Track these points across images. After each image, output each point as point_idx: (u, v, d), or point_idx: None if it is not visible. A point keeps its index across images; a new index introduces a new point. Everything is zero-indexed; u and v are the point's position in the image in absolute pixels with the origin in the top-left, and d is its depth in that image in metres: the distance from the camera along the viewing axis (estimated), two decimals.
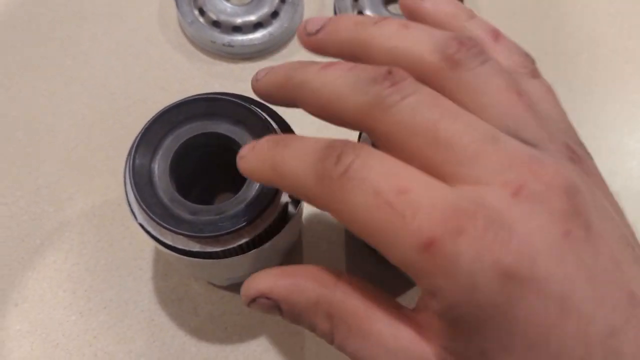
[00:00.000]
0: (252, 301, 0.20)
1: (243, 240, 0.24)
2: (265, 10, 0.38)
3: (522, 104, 0.18)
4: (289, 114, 0.27)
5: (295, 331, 0.32)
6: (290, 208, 0.25)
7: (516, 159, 0.16)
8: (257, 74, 0.22)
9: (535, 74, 0.21)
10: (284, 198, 0.25)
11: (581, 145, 0.21)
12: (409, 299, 0.33)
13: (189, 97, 0.26)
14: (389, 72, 0.17)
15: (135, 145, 0.25)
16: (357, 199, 0.16)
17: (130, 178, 0.24)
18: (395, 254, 0.16)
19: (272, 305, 0.20)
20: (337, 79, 0.18)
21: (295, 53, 0.39)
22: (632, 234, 0.18)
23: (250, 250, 0.25)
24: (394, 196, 0.15)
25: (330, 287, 0.19)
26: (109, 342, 0.31)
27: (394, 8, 0.41)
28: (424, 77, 0.18)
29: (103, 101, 0.37)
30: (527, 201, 0.16)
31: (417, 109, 0.17)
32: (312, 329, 0.20)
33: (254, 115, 0.25)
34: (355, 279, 0.20)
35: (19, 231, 0.33)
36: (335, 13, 0.40)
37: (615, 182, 0.37)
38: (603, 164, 0.37)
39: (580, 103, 0.39)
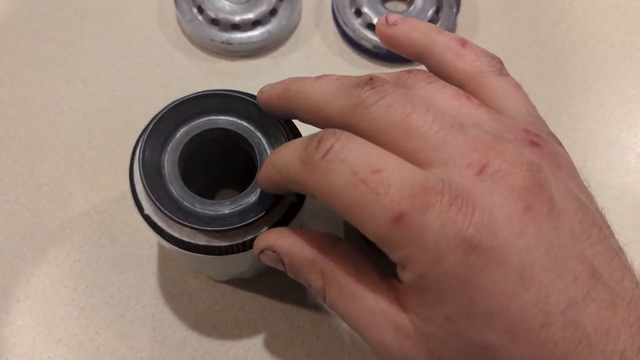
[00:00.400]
0: (261, 252, 0.23)
1: (249, 237, 0.24)
2: (263, 8, 0.39)
3: (472, 104, 0.20)
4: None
5: (296, 326, 0.32)
6: (297, 205, 0.26)
7: (481, 143, 0.18)
8: (261, 88, 0.25)
9: (502, 72, 0.23)
10: (290, 197, 0.25)
11: (548, 133, 0.22)
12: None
13: (201, 91, 0.26)
14: (370, 79, 0.20)
15: (145, 136, 0.25)
16: (336, 179, 0.18)
17: (140, 169, 0.24)
18: (369, 228, 0.18)
19: (277, 258, 0.22)
20: (326, 86, 0.21)
21: (294, 51, 0.40)
22: (602, 217, 0.19)
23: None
24: (368, 175, 0.17)
25: (326, 250, 0.21)
26: (110, 338, 0.31)
27: (391, 5, 0.42)
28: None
29: (104, 99, 0.37)
30: (490, 179, 0.17)
31: (393, 105, 0.19)
32: (308, 284, 0.22)
33: (264, 114, 0.26)
34: (351, 247, 0.22)
35: (21, 228, 0.33)
36: (333, 11, 0.40)
37: (612, 177, 0.38)
38: (600, 158, 0.38)
39: (578, 98, 0.39)
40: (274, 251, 0.22)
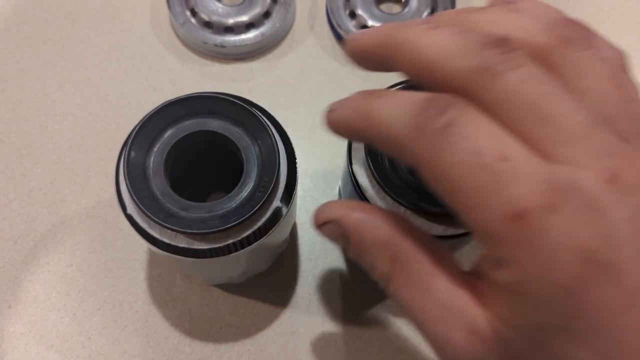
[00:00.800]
0: (323, 225, 0.21)
1: (231, 241, 0.24)
2: (257, 10, 0.38)
3: (620, 96, 0.18)
4: (283, 119, 0.27)
5: (289, 331, 0.32)
6: (281, 211, 0.25)
7: (615, 148, 0.16)
8: (351, 35, 0.22)
9: (627, 69, 0.20)
10: (275, 202, 0.25)
11: None
12: None
13: (189, 94, 0.26)
14: (502, 40, 0.17)
15: (132, 136, 0.24)
16: (454, 156, 0.16)
17: (124, 168, 0.24)
18: (479, 217, 0.16)
19: (340, 233, 0.20)
20: (445, 39, 0.18)
21: (288, 53, 0.39)
22: None
23: (237, 250, 0.25)
24: (494, 160, 0.15)
25: (401, 234, 0.19)
26: (103, 344, 0.31)
27: (385, 7, 0.41)
28: (532, 54, 0.18)
29: (96, 102, 0.37)
30: (620, 191, 0.16)
31: (527, 81, 0.16)
32: (371, 267, 0.20)
33: (253, 117, 0.25)
34: (428, 235, 0.20)
35: (12, 233, 0.33)
36: (327, 13, 0.40)
37: None
38: None
39: None
40: (339, 225, 0.20)
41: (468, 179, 0.16)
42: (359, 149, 0.26)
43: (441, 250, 0.19)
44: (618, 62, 0.19)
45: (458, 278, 0.18)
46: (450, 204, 0.17)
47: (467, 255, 0.32)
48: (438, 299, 0.18)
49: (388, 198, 0.25)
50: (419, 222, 0.25)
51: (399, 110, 0.18)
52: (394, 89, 0.26)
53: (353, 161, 0.26)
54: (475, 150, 0.16)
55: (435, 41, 0.18)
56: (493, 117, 0.16)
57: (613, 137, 0.16)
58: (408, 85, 0.26)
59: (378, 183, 0.25)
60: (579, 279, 0.15)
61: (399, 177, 0.25)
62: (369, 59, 0.21)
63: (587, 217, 0.15)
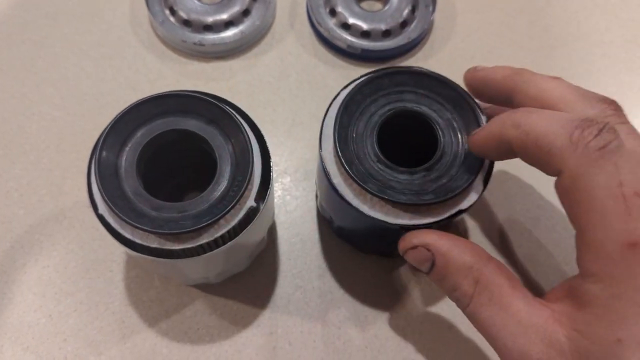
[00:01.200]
0: (412, 248, 0.24)
1: (204, 241, 0.24)
2: (236, 8, 0.38)
3: None
4: (263, 118, 0.27)
5: (268, 331, 0.32)
6: (256, 210, 0.25)
7: None
8: (480, 66, 0.27)
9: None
10: (249, 202, 0.25)
11: None
12: (387, 285, 0.32)
13: (162, 92, 0.25)
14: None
15: (103, 136, 0.24)
16: (600, 174, 0.19)
17: (95, 168, 0.24)
18: (599, 235, 0.19)
19: (428, 257, 0.23)
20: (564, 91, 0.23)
21: (268, 51, 0.39)
22: None
23: (211, 250, 0.24)
24: (631, 194, 0.18)
25: (484, 260, 0.23)
26: (79, 345, 0.31)
27: (366, 5, 0.41)
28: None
29: (74, 102, 0.37)
30: None
31: None
32: (453, 289, 0.23)
33: (227, 116, 0.25)
34: (501, 264, 0.23)
35: None
36: (307, 11, 0.40)
37: None
38: None
39: None
40: (428, 250, 0.23)
41: (603, 200, 0.18)
42: (328, 136, 0.26)
43: (515, 278, 0.22)
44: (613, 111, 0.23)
45: (534, 300, 0.21)
46: (574, 213, 0.20)
47: None
48: (516, 317, 0.21)
49: (355, 185, 0.25)
50: (386, 209, 0.25)
51: (553, 124, 0.20)
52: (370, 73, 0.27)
53: (323, 147, 0.26)
54: (619, 178, 0.18)
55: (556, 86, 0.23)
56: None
57: None
58: (376, 76, 0.27)
59: (345, 170, 0.25)
60: None
61: (365, 166, 0.25)
62: (493, 88, 0.25)
63: None
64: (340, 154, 0.25)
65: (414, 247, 0.24)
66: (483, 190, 0.25)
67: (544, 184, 0.35)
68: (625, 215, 0.18)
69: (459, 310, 0.23)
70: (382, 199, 0.24)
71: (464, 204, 0.25)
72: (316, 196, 0.34)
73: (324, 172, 0.26)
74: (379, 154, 0.26)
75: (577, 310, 0.20)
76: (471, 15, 0.41)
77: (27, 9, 0.40)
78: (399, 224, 0.24)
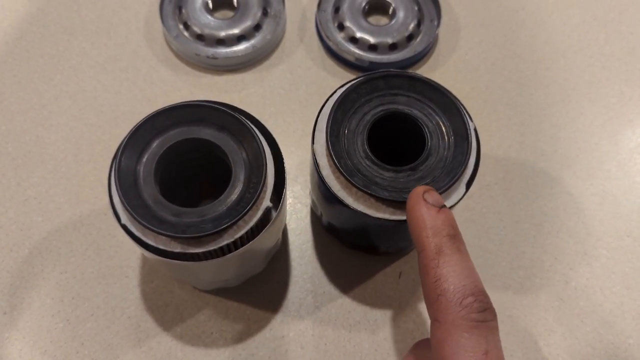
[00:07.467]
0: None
1: (224, 242, 0.24)
2: (248, 23, 0.39)
3: None
4: (274, 128, 0.28)
5: (280, 335, 0.32)
6: (271, 212, 0.26)
7: None
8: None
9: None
10: (265, 202, 0.25)
11: None
12: (396, 289, 0.33)
13: (175, 103, 0.26)
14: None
15: (122, 147, 0.25)
16: (466, 339, 0.21)
17: (115, 179, 0.24)
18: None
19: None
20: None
21: (278, 64, 0.40)
22: None
23: (231, 252, 0.25)
24: (482, 356, 0.21)
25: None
26: (96, 349, 0.32)
27: (373, 19, 0.42)
28: None
29: (91, 114, 0.38)
30: None
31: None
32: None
33: (239, 123, 0.26)
34: None
35: (8, 241, 0.34)
36: (316, 25, 0.41)
37: (593, 184, 0.38)
38: (581, 165, 0.39)
39: (558, 107, 0.40)
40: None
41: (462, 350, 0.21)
42: (321, 130, 0.27)
43: None
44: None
45: None
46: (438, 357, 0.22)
47: None
48: None
49: (342, 178, 0.26)
50: (369, 204, 0.26)
51: (458, 275, 0.22)
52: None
53: (315, 141, 0.27)
54: (484, 349, 0.21)
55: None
56: None
57: None
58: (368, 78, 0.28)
59: (334, 163, 0.26)
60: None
61: (354, 161, 0.26)
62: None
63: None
64: (330, 147, 0.26)
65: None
66: (465, 193, 0.26)
67: (548, 191, 0.36)
68: None
69: None
70: (367, 193, 0.25)
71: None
72: (311, 199, 0.36)
73: (315, 165, 0.27)
74: (368, 151, 0.27)
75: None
76: (475, 29, 0.43)
77: (45, 25, 0.41)
78: (380, 218, 0.26)
